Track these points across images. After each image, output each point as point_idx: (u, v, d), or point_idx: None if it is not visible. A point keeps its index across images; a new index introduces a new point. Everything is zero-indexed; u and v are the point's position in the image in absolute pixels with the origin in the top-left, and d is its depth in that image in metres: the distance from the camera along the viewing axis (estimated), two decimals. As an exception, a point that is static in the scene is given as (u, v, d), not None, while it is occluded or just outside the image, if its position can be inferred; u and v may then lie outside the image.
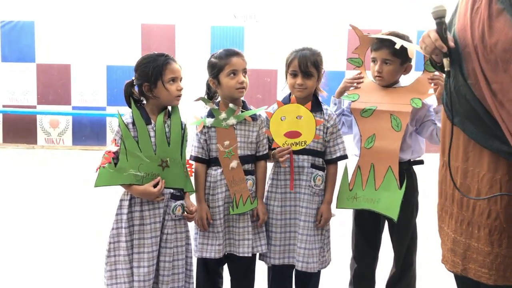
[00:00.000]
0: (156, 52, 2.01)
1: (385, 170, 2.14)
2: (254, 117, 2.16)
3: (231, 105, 2.11)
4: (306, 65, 2.09)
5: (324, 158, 2.20)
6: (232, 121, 2.11)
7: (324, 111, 2.19)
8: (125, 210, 1.96)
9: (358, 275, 2.34)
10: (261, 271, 2.33)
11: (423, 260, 2.47)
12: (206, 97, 2.19)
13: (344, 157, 2.20)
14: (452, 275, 1.75)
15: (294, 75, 2.13)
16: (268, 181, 2.21)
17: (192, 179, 2.12)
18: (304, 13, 7.21)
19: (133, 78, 2.02)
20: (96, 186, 1.91)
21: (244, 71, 2.11)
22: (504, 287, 1.58)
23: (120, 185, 1.95)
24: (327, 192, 2.19)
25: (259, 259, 2.23)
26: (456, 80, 1.60)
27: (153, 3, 7.21)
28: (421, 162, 2.26)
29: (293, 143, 2.09)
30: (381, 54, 2.14)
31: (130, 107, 1.99)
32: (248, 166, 2.14)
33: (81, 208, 4.27)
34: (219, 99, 2.18)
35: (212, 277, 2.21)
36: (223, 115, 2.11)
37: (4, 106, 7.40)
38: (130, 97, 2.00)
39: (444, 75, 1.68)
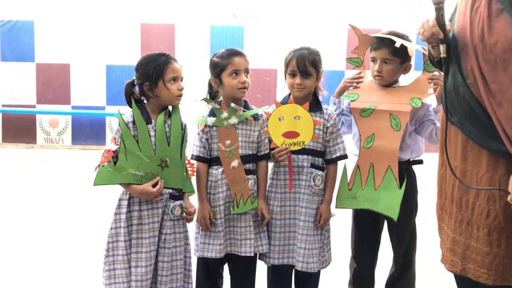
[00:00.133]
0: (157, 52, 2.01)
1: (384, 170, 2.14)
2: (256, 117, 2.16)
3: (232, 104, 2.11)
4: (304, 64, 2.09)
5: (324, 158, 2.20)
6: (233, 120, 2.11)
7: (324, 110, 2.19)
8: (123, 210, 1.96)
9: (358, 274, 2.34)
10: (261, 271, 2.33)
11: (423, 260, 2.47)
12: (208, 97, 2.19)
13: (344, 157, 2.20)
14: (451, 274, 1.75)
15: (293, 75, 2.13)
16: (267, 181, 2.21)
17: (194, 178, 2.12)
18: (304, 12, 7.21)
19: (134, 77, 2.02)
20: (95, 184, 1.91)
21: (246, 71, 2.11)
22: (503, 287, 1.58)
23: (119, 184, 1.95)
24: (327, 192, 2.19)
25: (259, 258, 2.23)
26: (455, 79, 1.60)
27: (153, 2, 7.20)
28: (420, 161, 2.26)
29: (291, 143, 2.09)
30: (381, 54, 2.14)
31: (130, 106, 1.98)
32: (249, 166, 2.14)
33: (80, 207, 4.27)
34: (221, 98, 2.18)
35: (212, 276, 2.21)
36: (224, 114, 2.11)
37: (3, 106, 7.40)
38: (130, 97, 2.00)
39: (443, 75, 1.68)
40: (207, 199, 2.12)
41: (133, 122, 1.96)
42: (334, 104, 2.32)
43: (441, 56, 1.58)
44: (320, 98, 2.24)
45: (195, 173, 2.13)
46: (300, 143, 2.09)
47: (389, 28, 2.22)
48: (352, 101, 2.22)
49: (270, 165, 2.23)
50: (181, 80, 2.02)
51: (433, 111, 2.17)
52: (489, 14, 1.47)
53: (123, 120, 1.95)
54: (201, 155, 2.13)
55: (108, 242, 1.99)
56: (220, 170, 2.11)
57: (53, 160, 6.62)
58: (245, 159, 2.12)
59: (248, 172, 2.12)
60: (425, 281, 2.47)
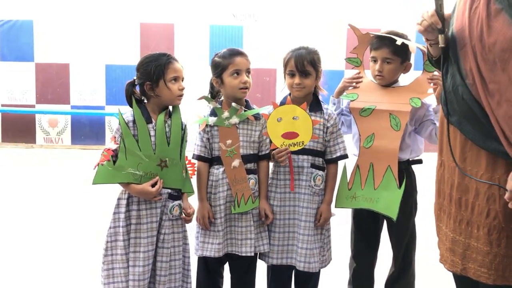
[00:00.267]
0: (158, 52, 2.02)
1: (384, 170, 2.14)
2: (257, 117, 2.16)
3: (233, 104, 2.11)
4: (303, 64, 2.09)
5: (324, 158, 2.20)
6: (234, 120, 2.11)
7: (324, 110, 2.19)
8: (122, 209, 1.96)
9: (357, 274, 2.34)
10: (262, 270, 2.33)
11: (422, 259, 2.48)
12: (209, 96, 2.19)
13: (345, 156, 2.20)
14: (450, 274, 1.75)
15: (292, 75, 2.13)
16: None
17: (194, 178, 2.12)
18: (303, 12, 7.21)
19: (135, 77, 2.02)
20: (94, 183, 1.92)
21: (248, 71, 2.11)
22: (503, 287, 1.58)
23: (118, 183, 1.95)
24: (327, 192, 2.19)
25: (259, 258, 2.23)
26: (454, 79, 1.60)
27: (152, 2, 7.20)
28: (419, 161, 2.26)
29: (291, 144, 2.09)
30: (382, 53, 2.15)
31: (131, 106, 1.98)
32: (250, 165, 2.14)
33: (80, 207, 4.27)
34: (222, 98, 2.18)
35: (212, 276, 2.21)
36: (225, 114, 2.11)
37: (2, 106, 7.40)
38: (131, 97, 2.00)
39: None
40: (207, 199, 2.13)
41: (133, 122, 1.96)
42: (334, 104, 2.32)
43: (440, 46, 1.58)
44: (320, 98, 2.24)
45: (195, 173, 2.13)
46: (299, 144, 2.09)
47: (388, 28, 2.22)
48: (351, 101, 2.22)
49: (271, 165, 2.23)
50: (182, 80, 2.03)
51: (433, 111, 2.17)
52: (488, 14, 1.47)
53: (123, 119, 1.95)
54: (202, 155, 2.13)
55: (107, 242, 1.99)
56: (221, 169, 2.11)
57: (53, 160, 6.62)
58: (246, 158, 2.12)
59: (249, 171, 2.13)
60: (424, 281, 2.48)
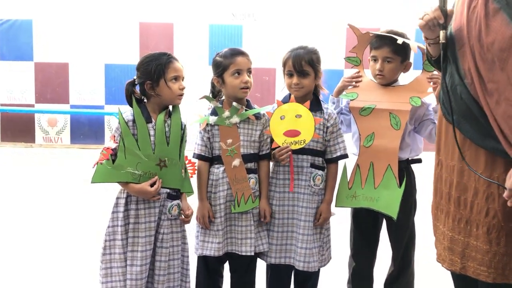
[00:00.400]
0: (158, 51, 2.02)
1: (384, 169, 2.14)
2: (258, 116, 2.16)
3: (234, 103, 2.12)
4: (300, 64, 2.09)
5: (325, 158, 2.20)
6: (235, 119, 2.11)
7: (324, 110, 2.19)
8: (121, 208, 1.97)
9: (357, 273, 2.34)
10: (262, 269, 2.33)
11: (422, 258, 2.48)
12: (210, 96, 2.19)
13: (345, 156, 2.19)
14: (450, 273, 1.75)
15: (290, 75, 2.14)
16: (267, 180, 2.21)
17: (195, 177, 2.12)
18: (303, 11, 7.21)
19: (135, 77, 2.02)
20: (92, 182, 1.92)
21: (249, 70, 2.11)
22: (503, 285, 1.58)
23: (117, 182, 1.95)
24: (327, 191, 2.19)
25: (258, 257, 2.23)
26: (452, 79, 1.60)
27: (151, 1, 7.20)
28: (419, 160, 2.26)
29: (292, 142, 2.09)
30: (382, 53, 2.15)
31: (131, 106, 1.98)
32: (250, 165, 2.14)
33: (79, 206, 4.26)
34: (223, 97, 2.18)
35: (212, 275, 2.21)
36: (226, 113, 2.11)
37: (2, 105, 7.39)
38: (131, 96, 2.00)
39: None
40: (207, 198, 2.13)
41: (133, 121, 1.96)
42: (333, 103, 2.32)
43: (441, 41, 1.58)
44: (321, 97, 2.24)
45: (196, 172, 2.13)
46: (301, 142, 2.09)
47: (387, 28, 2.22)
48: (351, 100, 2.22)
49: (271, 164, 2.23)
50: (182, 80, 2.03)
51: (433, 111, 2.18)
52: (486, 13, 1.48)
53: (123, 119, 1.95)
54: (203, 154, 2.13)
55: (105, 241, 1.99)
56: (222, 169, 2.11)
57: (52, 159, 6.61)
58: (246, 158, 2.12)
59: (249, 171, 2.13)
60: (424, 280, 2.48)
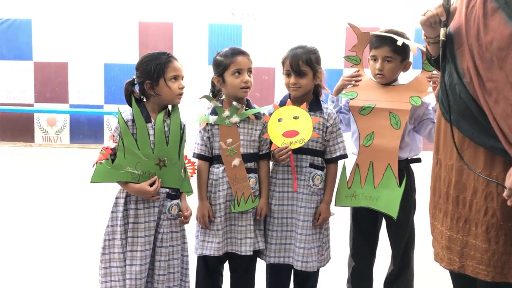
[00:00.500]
0: (157, 51, 2.02)
1: (384, 168, 2.14)
2: (258, 116, 2.16)
3: (234, 103, 2.11)
4: (298, 64, 2.09)
5: (324, 157, 2.20)
6: (235, 119, 2.11)
7: (324, 110, 2.19)
8: (120, 208, 1.97)
9: (356, 273, 2.34)
10: (262, 269, 2.33)
11: (421, 258, 2.48)
12: (210, 95, 2.19)
13: (344, 156, 2.19)
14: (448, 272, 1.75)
15: (288, 74, 2.14)
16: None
17: (194, 176, 2.12)
18: (302, 11, 7.21)
19: (134, 76, 2.02)
20: (92, 181, 1.92)
21: (249, 70, 2.11)
22: (502, 284, 1.59)
23: (117, 182, 1.94)
24: (326, 191, 2.19)
25: (258, 256, 2.23)
26: (451, 78, 1.60)
27: (151, 1, 7.20)
28: (418, 160, 2.26)
29: (292, 141, 2.09)
30: (382, 52, 2.14)
31: (130, 105, 1.98)
32: (250, 165, 2.14)
33: (79, 206, 4.26)
34: (223, 97, 2.18)
35: (212, 275, 2.21)
36: (226, 113, 2.11)
37: (1, 105, 7.39)
38: (131, 96, 2.00)
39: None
40: (207, 198, 2.13)
41: (133, 120, 1.96)
42: (332, 102, 2.32)
43: (441, 39, 1.58)
44: (323, 97, 2.23)
45: (196, 171, 2.13)
46: (300, 141, 2.08)
47: (387, 27, 2.22)
48: (350, 99, 2.22)
49: (270, 164, 2.23)
50: (182, 79, 2.03)
51: (432, 110, 2.17)
52: (485, 12, 1.48)
53: (123, 118, 1.95)
54: (203, 153, 2.14)
55: (105, 240, 1.99)
56: (221, 168, 2.11)
57: (51, 159, 6.61)
58: (246, 157, 2.12)
59: (249, 170, 2.13)
60: (423, 279, 2.48)
